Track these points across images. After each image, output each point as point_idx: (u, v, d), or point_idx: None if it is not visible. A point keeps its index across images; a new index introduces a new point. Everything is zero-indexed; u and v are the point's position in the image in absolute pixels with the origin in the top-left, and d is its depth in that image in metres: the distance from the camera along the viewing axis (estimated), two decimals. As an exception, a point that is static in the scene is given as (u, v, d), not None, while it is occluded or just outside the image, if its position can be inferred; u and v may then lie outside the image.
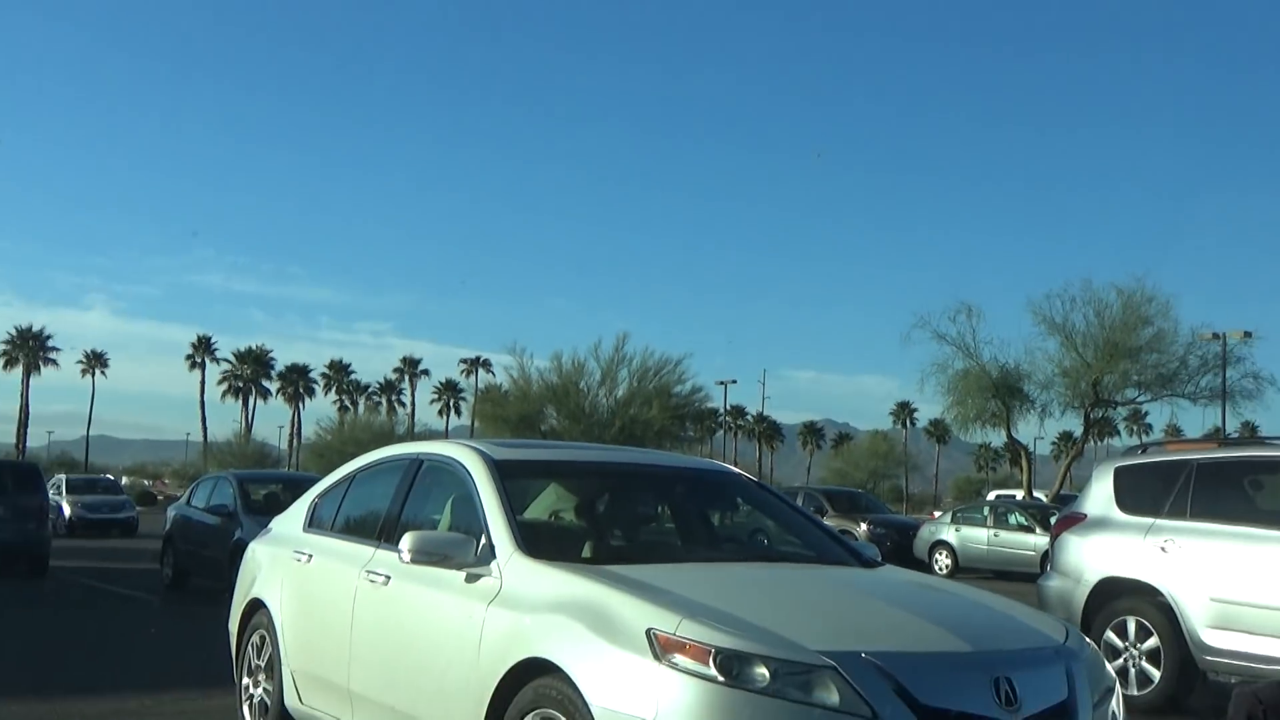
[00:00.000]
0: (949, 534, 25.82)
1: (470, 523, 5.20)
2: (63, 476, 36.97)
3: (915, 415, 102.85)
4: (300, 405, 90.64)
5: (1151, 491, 8.85)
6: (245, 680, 6.69)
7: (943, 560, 25.39)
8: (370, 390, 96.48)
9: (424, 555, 4.97)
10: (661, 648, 3.99)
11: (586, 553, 5.16)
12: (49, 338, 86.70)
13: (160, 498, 61.22)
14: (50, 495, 21.95)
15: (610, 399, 37.49)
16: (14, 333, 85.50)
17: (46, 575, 18.27)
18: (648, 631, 4.04)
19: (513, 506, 5.16)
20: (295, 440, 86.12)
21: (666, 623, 4.05)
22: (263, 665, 6.49)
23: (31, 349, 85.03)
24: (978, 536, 25.20)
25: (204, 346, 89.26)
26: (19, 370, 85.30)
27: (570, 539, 5.42)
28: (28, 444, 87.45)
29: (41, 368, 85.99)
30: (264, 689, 6.46)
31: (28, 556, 18.50)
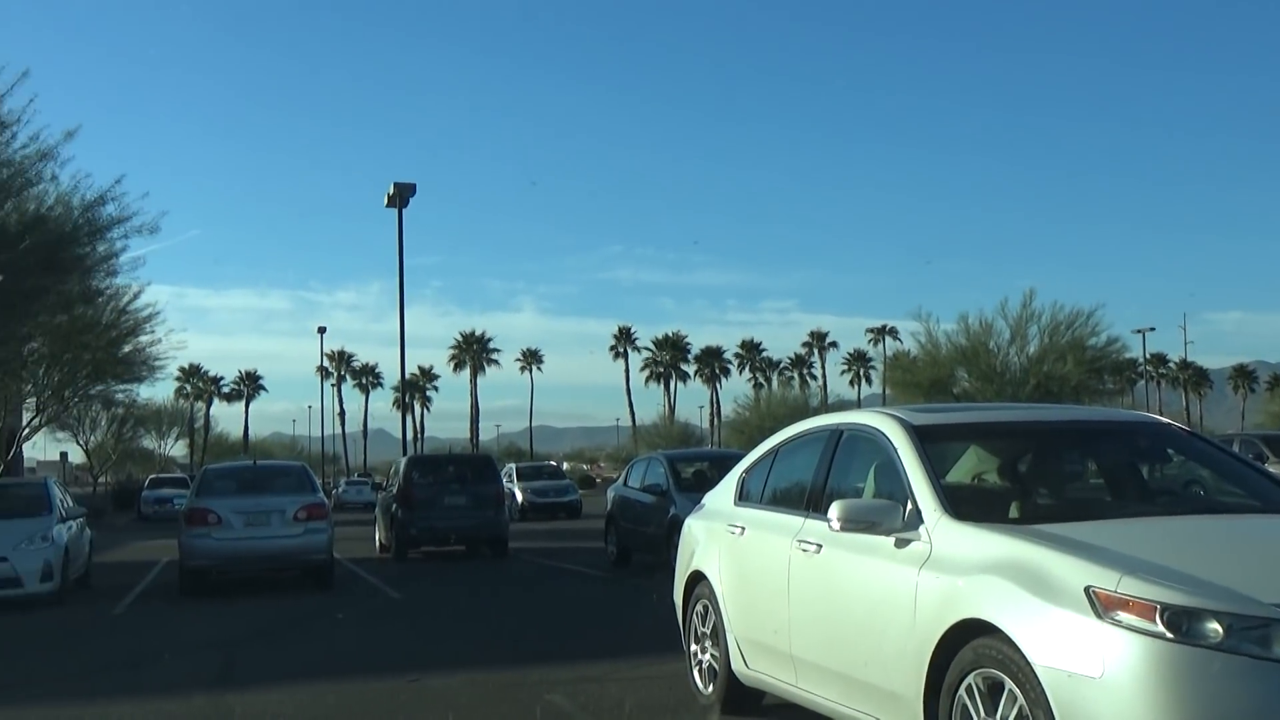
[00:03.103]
0: None
1: (894, 489, 5.30)
2: (513, 465, 40.37)
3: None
4: (717, 385, 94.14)
5: None
6: (693, 647, 7.12)
7: None
8: (781, 366, 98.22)
9: (853, 523, 5.12)
10: (1103, 605, 3.91)
11: (1014, 513, 5.12)
12: (489, 340, 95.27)
13: (598, 480, 65.48)
14: (503, 483, 24.07)
15: (1022, 357, 36.11)
16: (460, 338, 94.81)
17: (507, 556, 20.04)
18: (1086, 589, 3.98)
19: (935, 471, 5.20)
20: (715, 419, 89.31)
21: (1106, 580, 3.96)
22: (708, 633, 6.89)
23: (475, 352, 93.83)
24: None
25: (625, 337, 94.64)
26: (466, 372, 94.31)
27: (995, 500, 5.38)
28: (479, 437, 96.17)
29: (485, 368, 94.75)
30: (711, 655, 6.86)
31: (490, 540, 20.42)
